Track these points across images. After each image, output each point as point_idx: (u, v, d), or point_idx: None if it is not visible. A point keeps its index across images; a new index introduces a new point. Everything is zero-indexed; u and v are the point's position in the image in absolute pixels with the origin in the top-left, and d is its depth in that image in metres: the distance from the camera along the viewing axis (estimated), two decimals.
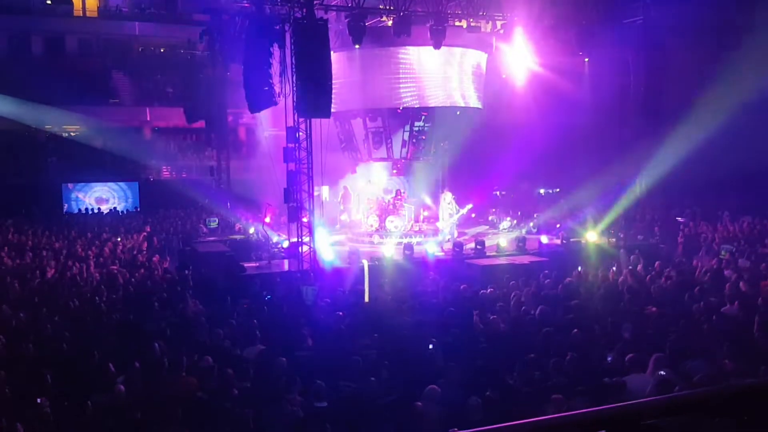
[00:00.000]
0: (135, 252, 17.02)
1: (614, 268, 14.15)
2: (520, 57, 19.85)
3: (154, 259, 16.08)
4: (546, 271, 13.53)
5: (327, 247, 16.42)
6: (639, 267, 13.84)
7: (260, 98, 15.09)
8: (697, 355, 7.57)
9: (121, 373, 7.40)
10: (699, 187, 23.67)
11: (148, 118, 31.01)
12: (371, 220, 19.56)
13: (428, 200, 21.24)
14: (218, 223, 21.57)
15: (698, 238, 17.32)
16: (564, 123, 21.14)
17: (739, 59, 19.44)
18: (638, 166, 18.85)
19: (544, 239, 17.82)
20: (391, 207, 19.76)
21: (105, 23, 32.15)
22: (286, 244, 16.75)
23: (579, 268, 14.28)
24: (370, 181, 21.85)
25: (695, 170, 21.43)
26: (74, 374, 7.45)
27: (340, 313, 10.16)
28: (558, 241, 17.98)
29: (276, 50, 15.17)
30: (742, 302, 9.91)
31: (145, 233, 20.02)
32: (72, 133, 29.59)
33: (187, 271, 14.41)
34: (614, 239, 18.08)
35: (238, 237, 19.68)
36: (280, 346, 8.51)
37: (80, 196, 27.92)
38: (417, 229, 19.58)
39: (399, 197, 20.31)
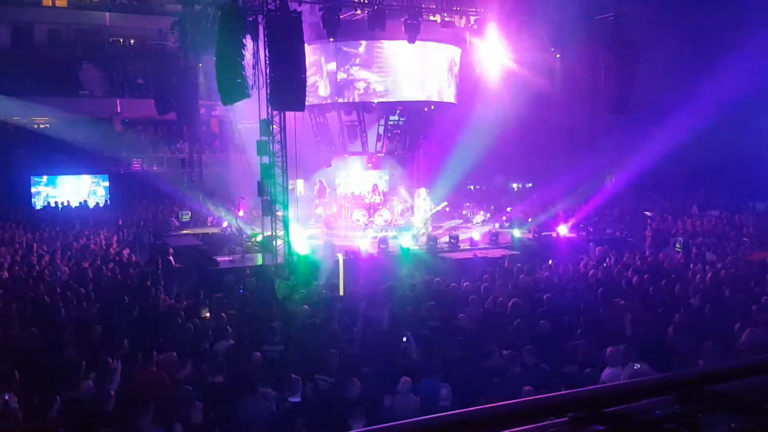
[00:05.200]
0: (105, 246, 16.76)
1: (583, 261, 14.39)
2: (494, 53, 19.97)
3: (125, 252, 15.86)
4: (519, 265, 13.68)
5: (303, 242, 16.36)
6: (609, 261, 14.07)
7: (233, 90, 14.92)
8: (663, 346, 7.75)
9: (91, 368, 7.31)
10: (668, 181, 24.16)
11: (119, 110, 30.46)
12: (357, 215, 19.48)
13: (404, 194, 21.30)
14: (190, 217, 21.34)
15: (666, 232, 17.66)
16: (536, 118, 21.36)
17: (710, 57, 19.83)
18: (608, 161, 19.15)
19: (517, 233, 18.00)
20: (376, 201, 19.78)
21: (75, 13, 31.46)
22: (260, 238, 16.67)
23: (550, 262, 14.47)
24: (349, 175, 21.85)
25: (664, 165, 21.87)
26: (43, 370, 7.33)
27: (306, 307, 10.17)
28: (530, 235, 18.18)
29: (249, 42, 15.03)
30: (704, 294, 10.13)
31: (115, 226, 19.74)
32: (41, 125, 28.96)
33: (158, 265, 14.25)
34: (584, 233, 18.34)
35: (211, 231, 19.50)
36: (253, 340, 8.48)
37: (49, 190, 27.39)
38: (402, 222, 19.61)
39: (375, 192, 20.33)
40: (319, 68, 19.86)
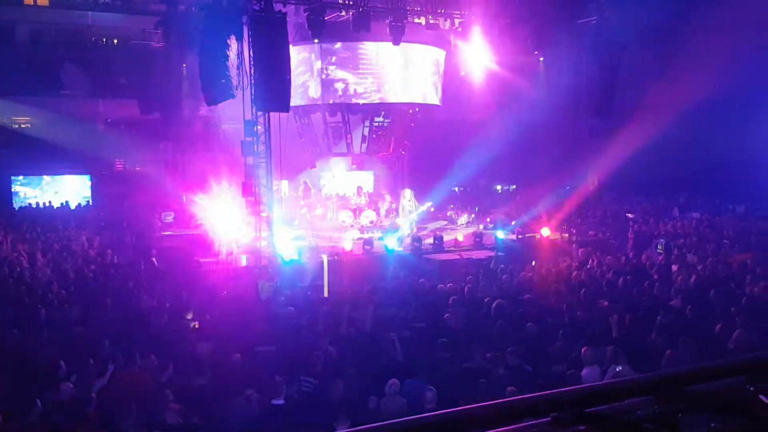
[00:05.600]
0: (87, 246, 16.58)
1: (566, 263, 14.48)
2: (478, 55, 20.05)
3: (107, 253, 15.69)
4: (502, 266, 13.75)
5: (287, 243, 16.31)
6: (592, 262, 14.15)
7: (217, 91, 14.87)
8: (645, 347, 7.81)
9: (72, 370, 7.22)
10: (650, 184, 24.40)
11: (101, 110, 30.15)
12: (343, 216, 19.42)
13: (386, 196, 21.32)
14: (174, 218, 21.17)
15: (648, 234, 17.81)
16: (520, 121, 21.46)
17: (690, 60, 20.04)
18: (591, 163, 19.29)
19: (501, 234, 18.08)
20: (361, 203, 19.76)
21: (57, 12, 31.02)
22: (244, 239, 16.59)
23: (533, 263, 14.55)
24: (334, 176, 21.84)
25: (646, 168, 22.08)
26: (23, 372, 7.23)
27: (291, 308, 10.15)
28: (513, 236, 18.27)
29: (233, 42, 14.97)
30: (685, 296, 10.23)
31: (97, 227, 19.52)
32: (21, 125, 28.60)
33: (140, 266, 14.13)
34: (567, 234, 18.46)
35: (194, 232, 19.34)
36: (236, 342, 8.43)
37: (27, 190, 27.10)
38: (387, 224, 19.60)
39: (360, 193, 20.32)
40: (309, 67, 19.78)
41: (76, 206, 25.77)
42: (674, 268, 13.04)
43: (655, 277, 12.12)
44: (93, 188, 27.64)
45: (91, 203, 26.67)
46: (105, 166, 28.50)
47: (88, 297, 11.10)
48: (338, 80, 19.74)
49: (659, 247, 15.09)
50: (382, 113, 20.73)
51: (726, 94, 20.72)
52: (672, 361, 6.96)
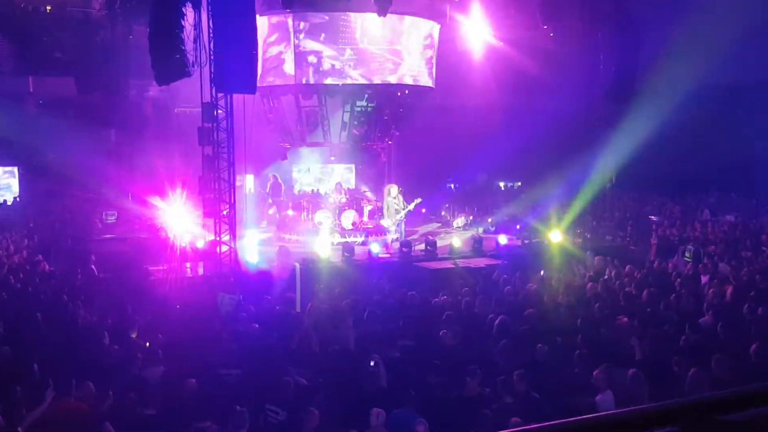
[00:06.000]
0: (13, 251, 16.44)
1: (578, 271, 14.60)
2: (478, 30, 20.09)
3: (37, 260, 15.56)
4: (505, 276, 13.81)
5: (253, 249, 16.29)
6: (609, 272, 14.24)
7: (170, 68, 14.77)
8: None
9: None
10: (675, 182, 24.61)
11: (32, 90, 29.90)
12: (319, 217, 19.37)
13: (368, 194, 21.33)
14: (117, 218, 21.07)
15: (674, 240, 17.96)
16: (526, 107, 21.57)
17: (723, 39, 20.23)
18: (608, 156, 19.40)
19: (503, 239, 18.15)
20: (340, 201, 19.74)
21: None
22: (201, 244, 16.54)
23: (542, 273, 14.64)
24: (309, 170, 21.80)
25: (671, 163, 22.28)
26: None
27: (256, 325, 10.15)
28: (518, 242, 18.35)
29: (189, 11, 14.89)
30: (716, 312, 10.33)
31: (25, 229, 19.37)
32: None
33: (77, 275, 14.02)
34: (580, 240, 18.58)
35: (141, 235, 19.25)
36: (191, 366, 8.39)
37: None
38: (371, 226, 19.57)
39: (339, 190, 20.31)
40: (285, 35, 19.52)
41: (1, 203, 25.52)
42: (704, 279, 13.17)
43: (683, 290, 12.22)
44: (21, 182, 27.38)
45: (18, 200, 26.40)
46: (36, 155, 28.21)
47: (14, 311, 11.01)
48: (311, 52, 19.59)
49: (687, 254, 15.23)
50: (366, 96, 20.66)
51: (764, 78, 20.98)
52: (700, 382, 7.03)
